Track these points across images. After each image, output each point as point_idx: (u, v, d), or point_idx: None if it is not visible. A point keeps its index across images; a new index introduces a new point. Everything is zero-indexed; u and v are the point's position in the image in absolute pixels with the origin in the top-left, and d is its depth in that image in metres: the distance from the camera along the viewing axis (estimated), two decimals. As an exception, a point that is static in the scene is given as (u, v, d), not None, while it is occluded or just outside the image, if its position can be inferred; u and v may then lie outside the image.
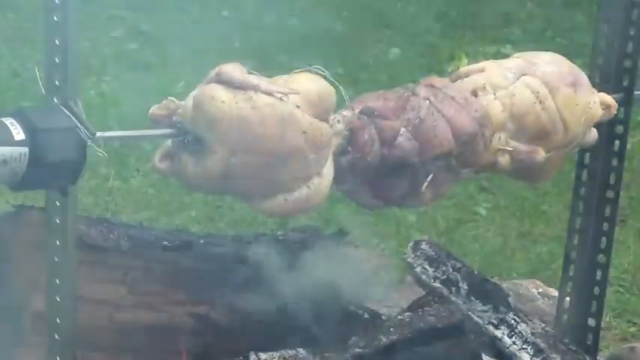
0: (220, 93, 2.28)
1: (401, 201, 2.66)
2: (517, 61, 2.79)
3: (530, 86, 2.72)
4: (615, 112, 2.93)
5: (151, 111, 2.32)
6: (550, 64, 2.79)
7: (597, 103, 2.84)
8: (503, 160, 2.71)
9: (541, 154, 2.74)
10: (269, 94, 2.31)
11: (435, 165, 2.60)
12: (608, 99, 2.88)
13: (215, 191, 2.46)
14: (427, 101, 2.58)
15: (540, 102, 2.72)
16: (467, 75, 2.74)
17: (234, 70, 2.31)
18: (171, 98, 2.33)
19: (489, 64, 2.76)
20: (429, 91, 2.62)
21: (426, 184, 2.60)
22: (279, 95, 2.32)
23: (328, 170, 2.45)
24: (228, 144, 2.29)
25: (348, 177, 2.53)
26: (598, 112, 2.84)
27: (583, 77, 2.84)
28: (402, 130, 2.55)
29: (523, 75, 2.74)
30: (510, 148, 2.70)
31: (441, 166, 2.61)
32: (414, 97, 2.60)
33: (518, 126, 2.71)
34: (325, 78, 2.45)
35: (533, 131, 2.73)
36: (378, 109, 2.53)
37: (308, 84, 2.41)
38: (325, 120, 2.43)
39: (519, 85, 2.72)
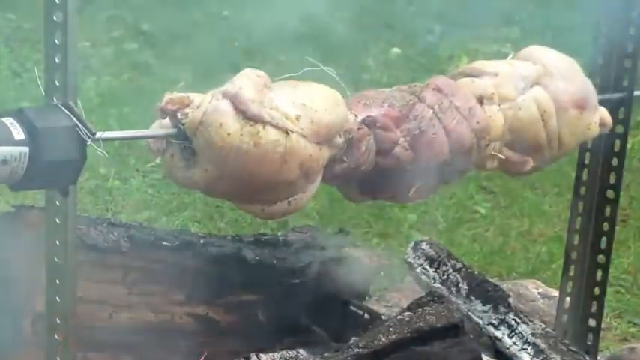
0: (229, 122, 2.24)
1: (388, 199, 2.65)
2: (534, 68, 2.73)
3: (538, 102, 2.69)
4: (609, 129, 2.92)
5: (164, 103, 2.28)
6: (565, 80, 2.75)
7: (597, 122, 2.83)
8: (491, 164, 2.70)
9: (529, 165, 2.74)
10: (279, 129, 2.30)
11: (425, 171, 2.58)
12: (606, 117, 2.87)
13: (196, 190, 2.46)
14: (431, 110, 2.55)
15: (543, 120, 2.70)
16: (479, 73, 2.69)
17: (251, 99, 2.26)
18: (187, 94, 2.30)
19: (504, 70, 2.70)
20: (435, 96, 2.57)
21: (414, 189, 2.59)
22: (287, 130, 2.30)
23: (313, 186, 2.44)
24: (220, 169, 2.27)
25: (339, 179, 2.52)
26: (595, 132, 2.84)
27: (592, 96, 2.81)
28: (401, 140, 2.52)
29: (536, 84, 2.72)
30: (503, 157, 2.69)
31: (430, 173, 2.59)
32: (420, 103, 2.55)
33: (515, 138, 2.69)
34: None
35: (528, 145, 2.71)
36: (380, 121, 2.48)
37: (323, 115, 2.36)
38: (327, 144, 2.41)
39: (528, 98, 2.69)
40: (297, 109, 2.34)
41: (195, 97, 2.29)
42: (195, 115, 2.26)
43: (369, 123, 2.48)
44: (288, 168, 2.32)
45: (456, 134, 2.56)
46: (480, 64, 2.73)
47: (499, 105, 2.65)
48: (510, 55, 2.83)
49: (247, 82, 2.30)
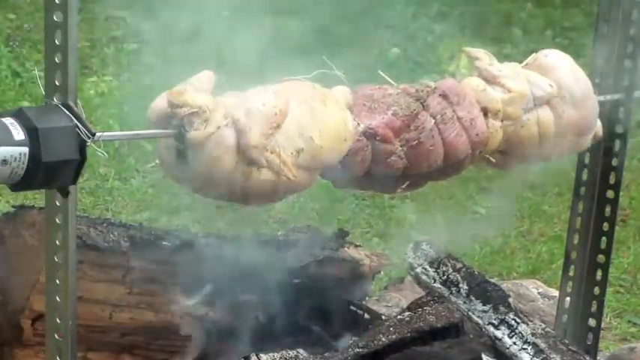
0: (227, 159, 2.24)
1: (376, 191, 2.65)
2: (548, 90, 2.69)
3: (541, 124, 2.68)
4: (597, 140, 2.93)
5: (174, 101, 2.26)
6: (574, 106, 2.73)
7: (589, 139, 2.83)
8: (478, 162, 2.69)
9: (514, 167, 2.75)
10: (273, 172, 2.30)
11: (415, 175, 2.58)
12: (598, 131, 2.87)
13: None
14: (433, 121, 2.53)
15: (540, 140, 2.70)
16: (493, 81, 2.66)
17: (255, 145, 2.25)
18: (200, 102, 2.25)
19: (518, 88, 2.65)
20: (440, 105, 2.54)
21: (400, 190, 2.58)
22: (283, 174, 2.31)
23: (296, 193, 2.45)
24: (207, 187, 2.29)
25: (327, 176, 2.51)
26: (586, 145, 2.85)
27: (593, 121, 2.81)
28: (398, 149, 2.49)
29: (546, 104, 2.70)
30: (493, 160, 2.68)
31: (420, 175, 2.59)
32: (423, 112, 2.52)
33: (508, 148, 2.68)
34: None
35: (517, 154, 2.71)
36: (380, 134, 2.45)
37: (327, 152, 2.36)
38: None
39: (532, 118, 2.67)
40: (303, 142, 2.33)
41: (207, 106, 2.24)
42: (198, 135, 2.23)
43: (369, 135, 2.45)
44: (274, 195, 2.35)
45: (453, 146, 2.54)
46: (496, 71, 2.67)
47: (502, 121, 2.64)
48: (532, 56, 2.80)
49: (259, 123, 2.27)
